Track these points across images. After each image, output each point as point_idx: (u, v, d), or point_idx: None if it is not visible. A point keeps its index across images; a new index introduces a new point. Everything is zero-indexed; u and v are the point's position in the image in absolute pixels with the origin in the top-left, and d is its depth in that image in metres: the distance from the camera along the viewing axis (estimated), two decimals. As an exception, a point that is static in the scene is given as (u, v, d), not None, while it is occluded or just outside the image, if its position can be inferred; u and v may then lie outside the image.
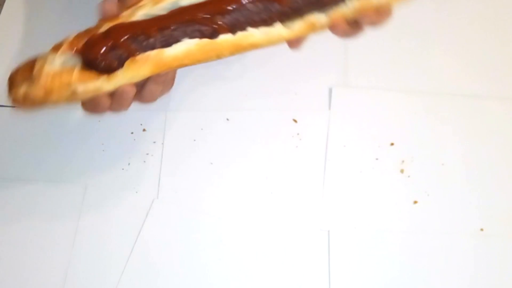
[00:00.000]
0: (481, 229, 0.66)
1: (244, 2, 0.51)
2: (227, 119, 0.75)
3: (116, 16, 0.52)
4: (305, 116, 0.74)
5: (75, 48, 0.51)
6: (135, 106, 0.79)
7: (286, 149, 0.73)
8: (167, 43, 0.51)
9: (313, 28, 0.53)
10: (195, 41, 0.51)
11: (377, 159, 0.71)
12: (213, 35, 0.51)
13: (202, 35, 0.51)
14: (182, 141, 0.74)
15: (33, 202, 0.71)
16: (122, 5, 0.54)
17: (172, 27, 0.51)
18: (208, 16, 0.51)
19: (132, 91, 0.53)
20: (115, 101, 0.54)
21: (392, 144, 0.72)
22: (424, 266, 0.65)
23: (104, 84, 0.51)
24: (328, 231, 0.67)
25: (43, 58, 0.51)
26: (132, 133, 0.75)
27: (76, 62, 0.51)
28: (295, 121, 0.74)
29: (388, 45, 0.79)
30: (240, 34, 0.52)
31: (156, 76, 0.53)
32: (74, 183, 0.72)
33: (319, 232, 0.67)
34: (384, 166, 0.71)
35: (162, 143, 0.74)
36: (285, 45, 0.80)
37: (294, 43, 0.55)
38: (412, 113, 0.74)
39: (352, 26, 0.55)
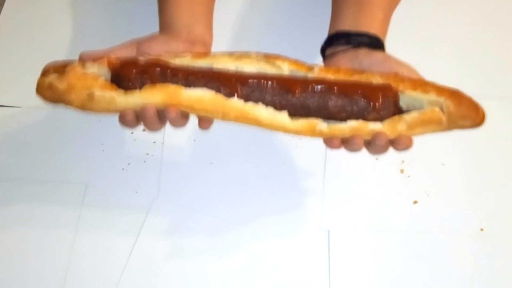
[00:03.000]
0: (481, 229, 0.66)
1: (263, 82, 0.56)
2: (227, 119, 0.75)
3: (156, 56, 0.59)
4: (305, 116, 0.74)
5: (111, 64, 0.58)
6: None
7: (286, 149, 0.73)
8: (188, 86, 0.56)
9: (313, 131, 0.56)
10: (211, 93, 0.56)
11: (377, 159, 0.71)
12: (228, 96, 0.56)
13: (219, 92, 0.56)
14: (182, 141, 0.74)
15: (33, 202, 0.71)
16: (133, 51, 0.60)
17: (197, 76, 0.56)
18: (231, 80, 0.56)
19: (152, 111, 0.56)
20: (141, 118, 0.58)
21: (392, 144, 0.72)
22: (424, 266, 0.65)
23: (119, 97, 0.56)
24: (328, 231, 0.67)
25: (81, 62, 0.58)
26: (132, 133, 0.75)
27: (106, 75, 0.58)
28: (295, 121, 0.74)
29: (388, 45, 0.79)
30: (250, 104, 0.56)
31: None
32: (74, 183, 0.72)
33: (319, 232, 0.67)
34: (384, 166, 0.71)
35: (162, 143, 0.74)
36: (286, 40, 0.81)
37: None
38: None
39: (346, 144, 0.57)
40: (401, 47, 0.78)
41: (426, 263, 0.65)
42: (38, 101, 0.80)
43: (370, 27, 0.61)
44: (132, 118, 0.57)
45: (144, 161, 0.73)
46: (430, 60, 0.77)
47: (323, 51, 0.64)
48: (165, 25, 0.63)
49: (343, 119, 0.56)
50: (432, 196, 0.69)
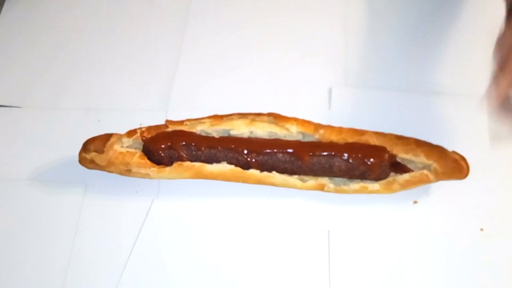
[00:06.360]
0: (481, 229, 0.66)
1: (276, 151, 0.66)
2: (227, 119, 0.75)
3: (181, 122, 0.69)
4: (305, 116, 0.74)
5: (143, 138, 0.68)
6: (135, 106, 0.79)
7: (286, 149, 0.73)
8: (210, 160, 0.67)
9: (322, 189, 0.67)
10: (231, 167, 0.66)
11: (377, 159, 0.71)
12: (245, 166, 0.66)
13: (237, 163, 0.66)
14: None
15: (33, 202, 0.71)
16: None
17: (218, 149, 0.66)
18: (247, 151, 0.66)
19: None
20: None
21: (392, 144, 0.72)
22: (424, 266, 0.65)
23: (152, 173, 0.67)
24: (328, 231, 0.67)
25: (117, 136, 0.68)
26: (132, 133, 0.75)
27: (139, 147, 0.69)
28: (295, 121, 0.74)
29: (388, 45, 0.79)
30: (265, 173, 0.66)
31: None
32: (74, 183, 0.72)
33: (319, 232, 0.67)
34: (384, 166, 0.71)
35: (162, 143, 0.74)
36: (286, 45, 0.81)
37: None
38: (411, 113, 0.74)
39: None
40: (401, 47, 0.79)
41: (426, 263, 0.65)
42: (38, 101, 0.80)
43: None
44: None
45: (144, 161, 0.73)
46: (430, 60, 0.77)
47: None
48: None
49: (348, 178, 0.66)
50: (432, 196, 0.69)
